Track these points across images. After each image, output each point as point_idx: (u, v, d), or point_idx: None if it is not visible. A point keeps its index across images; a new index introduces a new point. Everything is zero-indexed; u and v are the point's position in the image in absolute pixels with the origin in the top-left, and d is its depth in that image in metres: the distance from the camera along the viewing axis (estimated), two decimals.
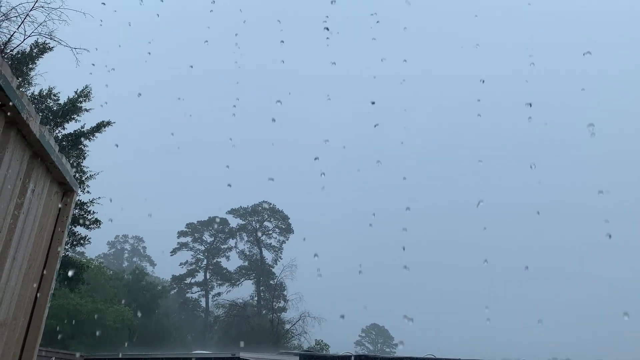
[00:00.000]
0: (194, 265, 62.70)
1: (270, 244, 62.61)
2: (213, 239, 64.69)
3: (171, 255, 62.30)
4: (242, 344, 34.62)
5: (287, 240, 62.43)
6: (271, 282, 56.88)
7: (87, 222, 22.03)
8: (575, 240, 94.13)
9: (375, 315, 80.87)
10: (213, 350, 37.21)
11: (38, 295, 4.01)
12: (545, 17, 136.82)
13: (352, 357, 10.71)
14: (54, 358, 17.16)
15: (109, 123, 23.29)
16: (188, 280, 61.93)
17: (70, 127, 22.88)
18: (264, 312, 55.75)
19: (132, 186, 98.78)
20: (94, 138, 23.04)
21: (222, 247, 64.36)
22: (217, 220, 64.58)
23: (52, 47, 21.51)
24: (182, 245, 63.29)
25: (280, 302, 53.65)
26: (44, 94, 22.53)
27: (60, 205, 4.33)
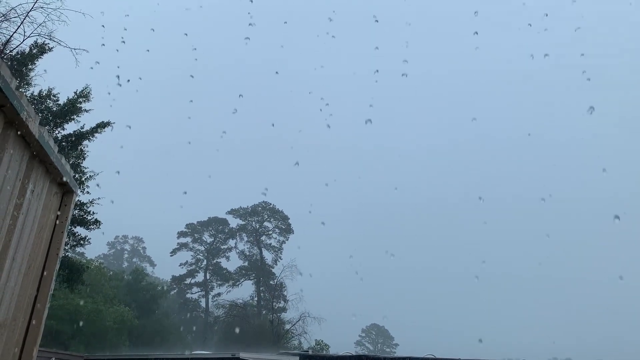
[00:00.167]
0: (193, 266, 62.70)
1: (270, 244, 62.67)
2: (213, 239, 64.68)
3: (171, 255, 62.36)
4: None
5: (287, 240, 62.48)
6: (271, 282, 56.87)
7: (87, 223, 22.02)
8: (575, 240, 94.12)
9: (375, 316, 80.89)
10: (213, 350, 37.20)
11: (37, 295, 4.01)
12: (545, 16, 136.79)
13: (352, 358, 10.72)
14: (53, 358, 17.16)
15: (108, 123, 23.26)
16: (188, 281, 61.92)
17: (70, 128, 22.88)
18: (264, 312, 55.74)
19: (132, 186, 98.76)
20: (94, 138, 23.03)
21: (222, 247, 64.37)
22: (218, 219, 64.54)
23: (52, 48, 21.50)
24: (182, 246, 63.29)
25: (280, 303, 53.63)
26: (44, 94, 22.51)
27: (59, 206, 4.33)
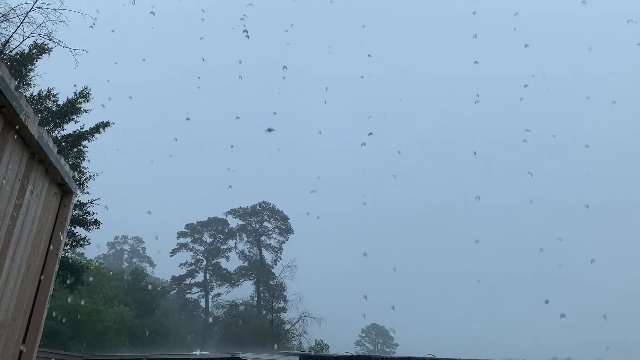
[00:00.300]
0: (193, 266, 62.67)
1: (270, 244, 62.69)
2: (213, 239, 64.67)
3: (171, 256, 62.32)
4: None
5: (287, 240, 62.50)
6: (271, 282, 56.87)
7: (87, 223, 22.02)
8: (576, 241, 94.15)
9: (375, 316, 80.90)
10: (213, 350, 37.23)
11: (37, 296, 4.01)
12: (546, 16, 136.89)
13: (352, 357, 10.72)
14: (53, 359, 17.16)
15: (108, 124, 23.23)
16: (188, 281, 61.90)
17: (70, 128, 22.84)
18: (263, 312, 55.73)
19: (131, 186, 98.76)
20: (94, 139, 23.00)
21: (222, 247, 64.36)
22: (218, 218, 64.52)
23: (51, 48, 21.49)
24: (182, 246, 63.26)
25: (280, 303, 53.63)
26: (43, 94, 22.49)
27: (59, 207, 4.33)
